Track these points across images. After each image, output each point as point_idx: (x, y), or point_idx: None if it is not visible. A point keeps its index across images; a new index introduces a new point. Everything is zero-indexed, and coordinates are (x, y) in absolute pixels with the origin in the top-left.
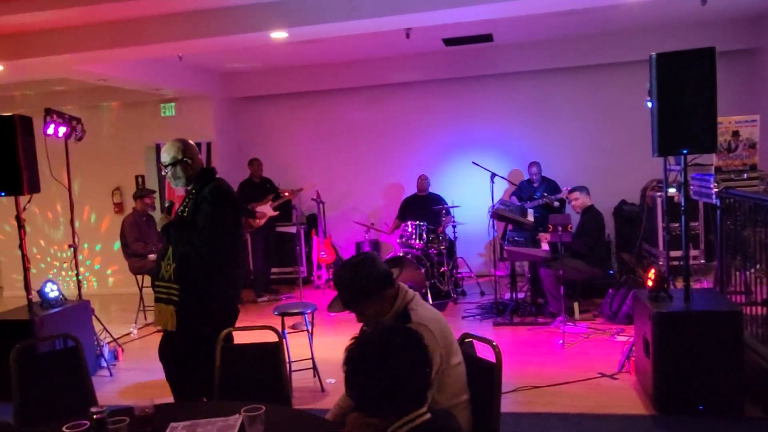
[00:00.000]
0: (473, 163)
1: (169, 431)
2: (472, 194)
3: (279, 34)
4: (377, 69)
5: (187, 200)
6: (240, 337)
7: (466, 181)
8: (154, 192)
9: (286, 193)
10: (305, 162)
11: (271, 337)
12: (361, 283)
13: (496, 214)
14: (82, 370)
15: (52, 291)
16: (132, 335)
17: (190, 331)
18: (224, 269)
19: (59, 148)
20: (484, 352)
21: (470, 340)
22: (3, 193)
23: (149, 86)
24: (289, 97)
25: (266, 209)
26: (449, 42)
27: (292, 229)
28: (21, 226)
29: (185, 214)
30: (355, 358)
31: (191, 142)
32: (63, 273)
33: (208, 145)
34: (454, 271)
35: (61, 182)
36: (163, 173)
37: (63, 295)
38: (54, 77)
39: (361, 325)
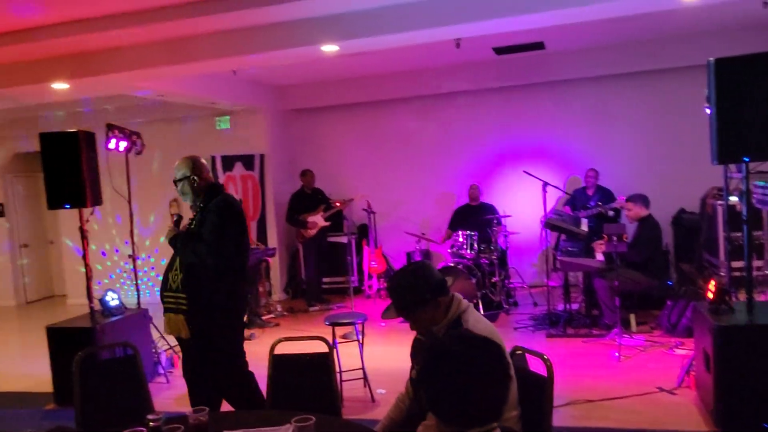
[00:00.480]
0: (525, 172)
1: None
2: (524, 203)
3: (329, 48)
4: (427, 79)
5: (195, 214)
6: (291, 347)
7: (517, 190)
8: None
9: (338, 204)
10: (356, 172)
11: (321, 348)
12: (417, 289)
13: (548, 224)
14: (140, 378)
15: (112, 300)
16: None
17: (200, 339)
18: (229, 279)
19: (120, 162)
20: (535, 365)
21: (521, 352)
22: (68, 206)
23: (205, 100)
24: (340, 109)
25: (318, 219)
26: (500, 51)
27: (344, 239)
28: (84, 236)
29: (192, 227)
30: (432, 366)
31: (202, 160)
32: (125, 282)
33: (261, 156)
34: (506, 282)
35: (121, 194)
36: (176, 188)
37: (123, 304)
38: (114, 94)
39: (414, 334)
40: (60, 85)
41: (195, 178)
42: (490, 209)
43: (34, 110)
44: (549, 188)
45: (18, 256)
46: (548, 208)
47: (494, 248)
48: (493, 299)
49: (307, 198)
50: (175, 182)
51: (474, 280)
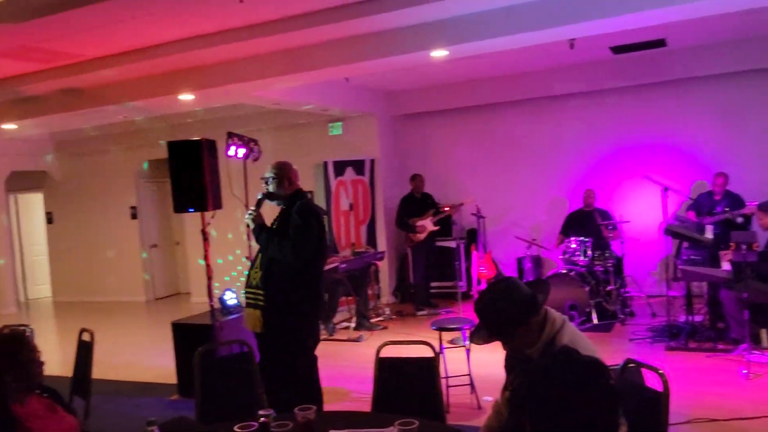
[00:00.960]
0: (645, 176)
1: None
2: (642, 209)
3: (439, 53)
4: (539, 81)
5: (278, 214)
6: (397, 351)
7: (635, 195)
8: (324, 214)
9: (447, 208)
10: (466, 177)
11: (427, 352)
12: (506, 310)
13: (669, 231)
14: (254, 374)
15: (230, 299)
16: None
17: (274, 336)
18: (305, 279)
19: (239, 168)
20: (651, 379)
21: (634, 365)
22: (192, 210)
23: (318, 107)
24: (450, 113)
25: (427, 224)
26: (617, 50)
27: (452, 244)
28: (205, 239)
29: (275, 226)
30: (537, 390)
31: (294, 166)
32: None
33: (372, 161)
34: (622, 290)
35: (240, 199)
36: (263, 186)
37: (240, 303)
38: (233, 103)
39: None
40: (186, 96)
41: (286, 181)
42: (605, 215)
43: (163, 120)
44: (670, 193)
45: (148, 256)
46: (669, 214)
47: (609, 255)
48: (607, 308)
49: (417, 202)
50: (267, 181)
51: (587, 288)
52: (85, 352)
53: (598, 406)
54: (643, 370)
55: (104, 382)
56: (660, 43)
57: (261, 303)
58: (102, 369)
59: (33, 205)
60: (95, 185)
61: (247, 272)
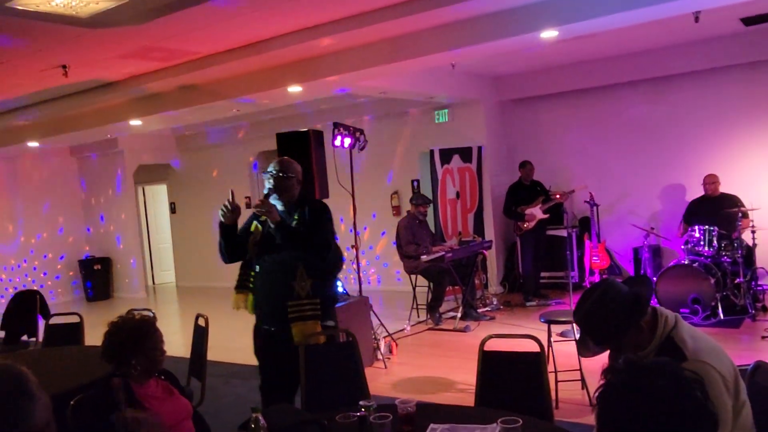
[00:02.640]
0: None
1: (428, 431)
2: None
3: (549, 34)
4: (658, 59)
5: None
6: (502, 344)
7: (767, 179)
8: (430, 203)
9: (557, 196)
10: (577, 163)
11: (534, 346)
12: (609, 316)
13: None
14: (358, 363)
15: (338, 287)
16: (405, 331)
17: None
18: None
19: (345, 157)
20: None
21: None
22: None
23: (424, 95)
24: (560, 97)
25: (536, 212)
26: (749, 21)
27: (563, 233)
28: None
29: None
30: (608, 407)
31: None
32: (349, 270)
33: (479, 148)
34: (753, 283)
35: (346, 189)
36: (269, 177)
37: (346, 291)
38: (339, 94)
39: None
40: (294, 88)
41: (296, 181)
42: (733, 201)
43: (274, 112)
44: None
45: None
46: None
47: (738, 245)
48: (735, 302)
49: (526, 190)
50: (280, 177)
51: (713, 281)
52: (200, 336)
53: (687, 422)
54: None
55: (221, 364)
56: None
57: (318, 312)
58: (219, 352)
59: (158, 196)
60: (213, 177)
61: (245, 278)
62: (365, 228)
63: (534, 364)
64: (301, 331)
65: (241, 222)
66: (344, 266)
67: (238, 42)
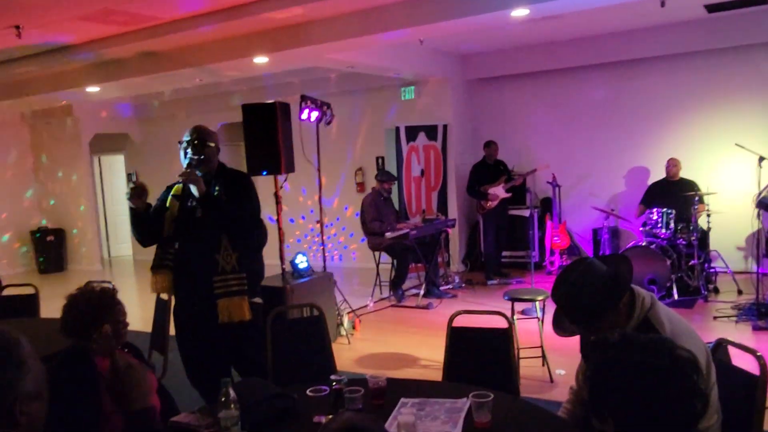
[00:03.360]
0: (737, 145)
1: (399, 405)
2: (732, 180)
3: (520, 12)
4: (624, 43)
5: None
6: (468, 320)
7: (725, 165)
8: (395, 179)
9: (519, 175)
10: (541, 144)
11: (499, 323)
12: (590, 298)
13: (762, 204)
14: (325, 338)
15: (301, 262)
16: (368, 308)
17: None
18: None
19: (311, 132)
20: (742, 361)
21: (725, 345)
22: (265, 172)
23: (391, 71)
24: (526, 77)
25: (498, 191)
26: (712, 8)
27: (526, 213)
28: (278, 202)
29: (217, 196)
30: (604, 382)
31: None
32: (311, 246)
33: (445, 127)
34: (706, 266)
35: (311, 163)
36: (187, 146)
37: (311, 267)
38: (306, 66)
39: None
40: (260, 59)
41: (218, 148)
42: (691, 185)
43: (238, 84)
44: (765, 163)
45: None
46: (762, 186)
47: (694, 228)
48: (689, 284)
49: (489, 169)
50: (201, 146)
51: (669, 262)
52: (162, 309)
53: (673, 407)
54: (731, 350)
55: None
56: (760, 1)
57: (244, 287)
58: None
59: (115, 166)
60: (173, 148)
61: (163, 257)
62: (328, 204)
63: (501, 340)
64: (227, 308)
65: (153, 198)
66: (312, 242)
67: (203, 8)
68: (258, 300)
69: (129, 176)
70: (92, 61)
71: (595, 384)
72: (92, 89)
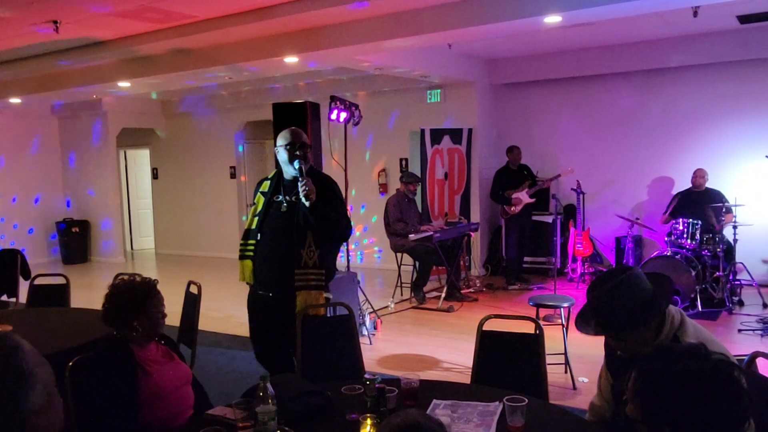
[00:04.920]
0: (767, 157)
1: (431, 407)
2: (761, 192)
3: (553, 19)
4: (655, 51)
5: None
6: (492, 324)
7: (754, 177)
8: (419, 181)
9: (544, 181)
10: (566, 150)
11: (526, 327)
12: (626, 309)
13: None
14: (354, 337)
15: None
16: (389, 308)
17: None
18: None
19: (339, 131)
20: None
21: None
22: None
23: (419, 74)
24: (553, 83)
25: (522, 196)
26: (745, 19)
27: (549, 219)
28: None
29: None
30: (655, 394)
31: None
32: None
33: (470, 131)
34: (731, 277)
35: (339, 163)
36: (298, 152)
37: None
38: (337, 67)
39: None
40: (290, 59)
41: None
42: (718, 197)
43: (265, 82)
44: None
45: (244, 215)
46: None
47: (719, 240)
48: (714, 296)
49: (513, 174)
50: (302, 147)
51: (693, 273)
52: (192, 303)
53: (726, 408)
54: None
55: (203, 333)
56: None
57: (323, 284)
58: (201, 320)
59: (140, 160)
60: (197, 144)
61: (246, 247)
62: (363, 206)
63: (531, 346)
64: (305, 300)
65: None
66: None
67: (237, 8)
68: (329, 295)
69: (153, 170)
70: (125, 57)
71: (646, 397)
72: (123, 84)
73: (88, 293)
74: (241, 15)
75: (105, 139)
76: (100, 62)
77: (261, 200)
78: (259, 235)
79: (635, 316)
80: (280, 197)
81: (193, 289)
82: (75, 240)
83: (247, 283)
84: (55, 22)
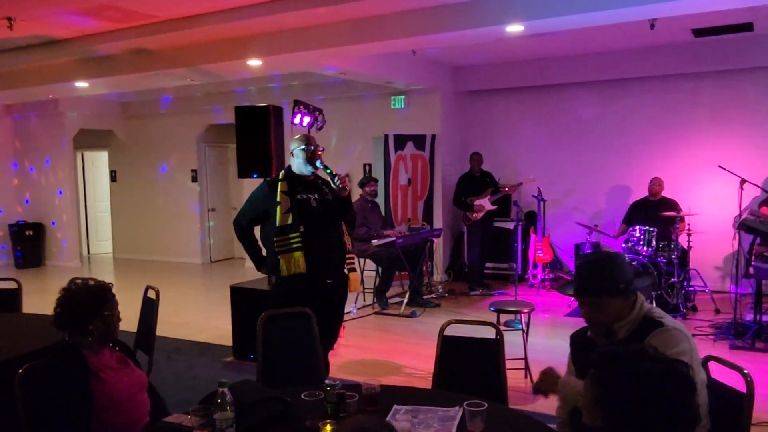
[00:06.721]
0: (720, 167)
1: (392, 413)
2: (714, 201)
3: (514, 28)
4: (614, 62)
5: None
6: (454, 329)
7: (707, 186)
8: (376, 180)
9: (506, 188)
10: (528, 158)
11: (486, 333)
12: (614, 275)
13: (743, 225)
14: (314, 342)
15: None
16: (352, 314)
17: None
18: None
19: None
20: (726, 378)
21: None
22: (255, 175)
23: (383, 79)
24: (516, 91)
25: (485, 203)
26: (700, 32)
27: (510, 225)
28: None
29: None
30: (606, 399)
31: None
32: None
33: (433, 137)
34: (685, 284)
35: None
36: (320, 153)
37: None
38: (300, 71)
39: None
40: (254, 62)
41: None
42: (672, 205)
43: (227, 85)
44: (746, 186)
45: (206, 219)
46: (743, 208)
47: (674, 247)
48: (669, 301)
49: (475, 181)
50: (319, 152)
51: (650, 280)
52: (150, 308)
53: (681, 405)
54: (718, 367)
55: (162, 339)
56: (746, 27)
57: (353, 264)
58: (159, 327)
59: (99, 162)
60: (158, 147)
61: (288, 242)
62: None
63: (491, 351)
64: (355, 280)
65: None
66: None
67: (198, 9)
68: None
69: (112, 173)
70: (83, 56)
71: (607, 404)
72: (81, 84)
73: (41, 298)
74: (203, 16)
75: (61, 140)
76: (56, 61)
77: (285, 199)
78: (301, 228)
79: (617, 284)
80: (307, 195)
81: (152, 294)
82: (28, 244)
83: (283, 276)
84: (10, 18)
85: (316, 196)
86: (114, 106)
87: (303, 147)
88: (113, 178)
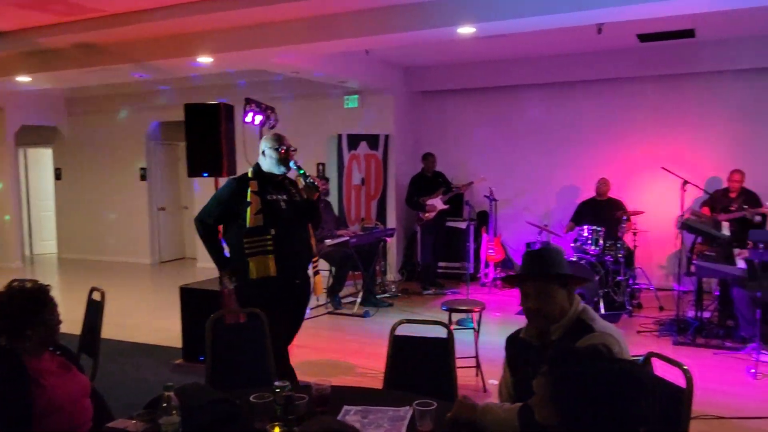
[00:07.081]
0: (663, 168)
1: (342, 413)
2: (657, 201)
3: (466, 30)
4: (563, 65)
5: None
6: (406, 329)
7: (652, 187)
8: (327, 179)
9: (458, 188)
10: (480, 158)
11: (438, 332)
12: (564, 265)
13: (685, 225)
14: (264, 344)
15: None
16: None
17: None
18: None
19: (254, 135)
20: (667, 373)
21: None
22: (206, 174)
23: (336, 79)
24: (468, 93)
25: (437, 203)
26: (644, 38)
27: (462, 225)
28: None
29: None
30: (563, 396)
31: None
32: None
33: (386, 137)
34: (631, 282)
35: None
36: (293, 154)
37: None
38: (252, 69)
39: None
40: (204, 59)
41: None
42: (619, 205)
43: (177, 82)
44: (688, 187)
45: (156, 219)
46: (685, 208)
47: (621, 246)
48: (615, 299)
49: (428, 181)
50: (292, 153)
51: (597, 278)
52: (94, 311)
53: (636, 404)
54: (659, 363)
55: (108, 342)
56: (688, 34)
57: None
58: (106, 328)
59: (42, 160)
60: (105, 144)
61: (261, 243)
62: None
63: (441, 350)
64: (319, 283)
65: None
66: None
67: (146, 3)
68: None
69: (57, 170)
70: (25, 50)
71: (562, 401)
72: (23, 79)
73: None
74: (151, 11)
75: (2, 137)
76: None
77: (255, 199)
78: (272, 230)
79: (563, 271)
80: (276, 196)
81: (96, 296)
82: None
83: (253, 279)
84: None
85: (285, 197)
86: (59, 102)
87: (276, 147)
88: (58, 176)
